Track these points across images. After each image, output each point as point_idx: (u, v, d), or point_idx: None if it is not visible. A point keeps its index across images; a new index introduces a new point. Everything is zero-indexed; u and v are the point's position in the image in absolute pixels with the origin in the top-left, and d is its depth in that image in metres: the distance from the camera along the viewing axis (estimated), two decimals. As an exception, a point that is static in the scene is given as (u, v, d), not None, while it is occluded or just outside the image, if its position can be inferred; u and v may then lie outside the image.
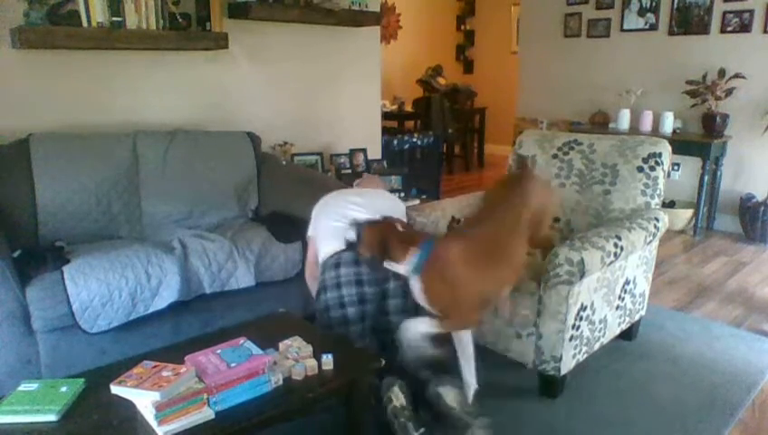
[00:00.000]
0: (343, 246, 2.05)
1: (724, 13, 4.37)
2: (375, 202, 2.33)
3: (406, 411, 1.84)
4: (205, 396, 1.48)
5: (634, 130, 4.67)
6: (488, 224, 2.04)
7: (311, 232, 2.36)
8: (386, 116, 6.06)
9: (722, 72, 4.28)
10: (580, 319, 2.20)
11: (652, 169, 2.53)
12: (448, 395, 1.87)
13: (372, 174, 3.40)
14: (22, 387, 1.57)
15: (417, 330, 1.96)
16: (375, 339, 2.16)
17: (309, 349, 1.75)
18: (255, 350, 1.63)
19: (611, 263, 2.20)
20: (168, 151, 2.82)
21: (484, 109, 7.56)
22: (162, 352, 1.75)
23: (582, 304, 2.19)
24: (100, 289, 2.14)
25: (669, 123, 4.53)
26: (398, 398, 1.87)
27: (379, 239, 1.91)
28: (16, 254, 2.21)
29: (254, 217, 2.95)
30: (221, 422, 1.47)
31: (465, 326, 2.03)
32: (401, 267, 1.93)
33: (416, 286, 1.94)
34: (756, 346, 2.70)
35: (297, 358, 1.71)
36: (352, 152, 3.92)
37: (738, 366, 2.53)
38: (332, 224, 2.23)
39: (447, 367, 2.02)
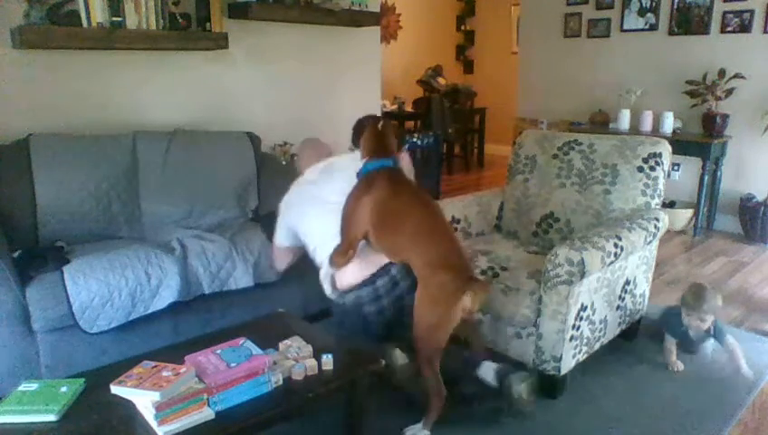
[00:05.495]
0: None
1: (725, 13, 4.37)
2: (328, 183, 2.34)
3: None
4: (205, 396, 1.48)
5: (634, 130, 4.67)
6: (428, 212, 2.05)
7: (283, 241, 2.40)
8: (386, 116, 6.06)
9: (722, 73, 4.27)
10: (581, 319, 2.20)
11: (652, 169, 2.53)
12: (521, 387, 2.00)
13: (310, 138, 2.89)
14: (22, 387, 1.57)
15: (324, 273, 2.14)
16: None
17: (309, 349, 1.75)
18: (255, 350, 1.63)
19: (611, 263, 2.20)
20: (168, 151, 2.82)
21: (484, 109, 7.55)
22: (162, 352, 1.75)
23: (583, 305, 2.19)
24: (100, 289, 2.14)
25: (669, 123, 4.52)
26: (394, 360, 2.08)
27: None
28: (16, 254, 2.21)
29: (253, 218, 2.95)
30: (221, 422, 1.47)
31: (343, 250, 2.07)
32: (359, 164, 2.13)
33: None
34: (756, 346, 2.70)
35: (297, 358, 1.71)
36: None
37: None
38: (318, 215, 2.25)
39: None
